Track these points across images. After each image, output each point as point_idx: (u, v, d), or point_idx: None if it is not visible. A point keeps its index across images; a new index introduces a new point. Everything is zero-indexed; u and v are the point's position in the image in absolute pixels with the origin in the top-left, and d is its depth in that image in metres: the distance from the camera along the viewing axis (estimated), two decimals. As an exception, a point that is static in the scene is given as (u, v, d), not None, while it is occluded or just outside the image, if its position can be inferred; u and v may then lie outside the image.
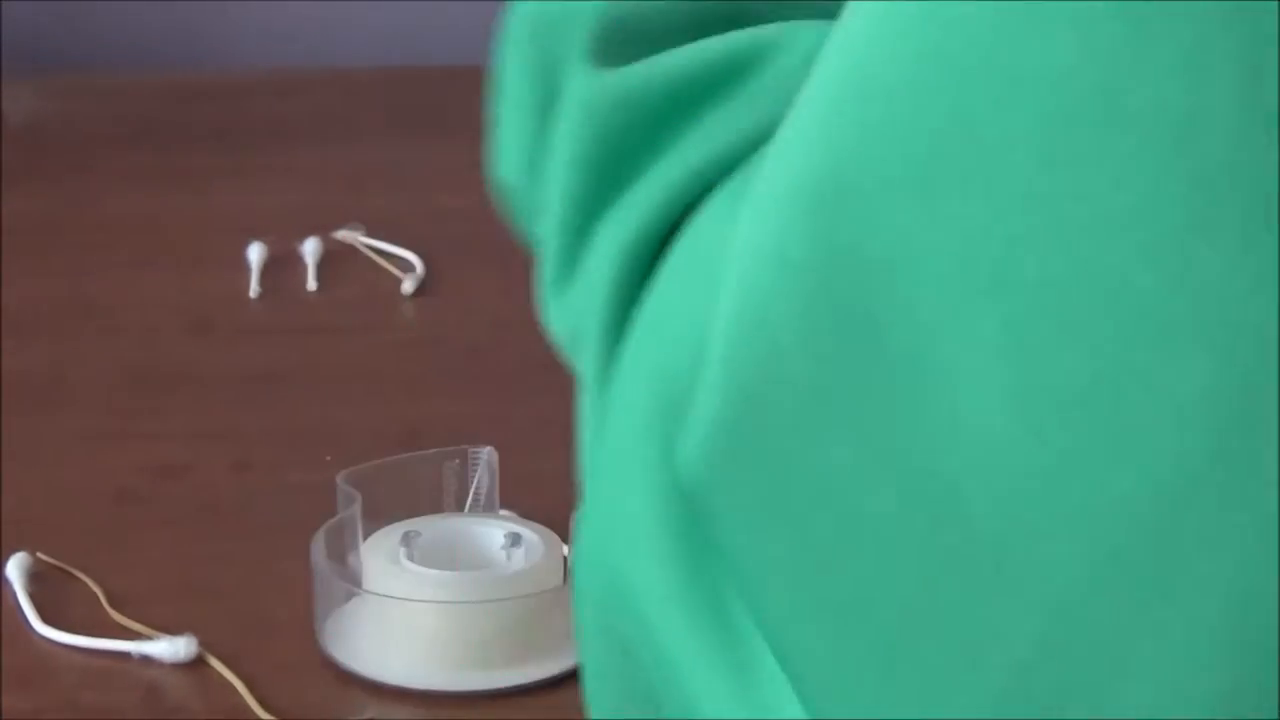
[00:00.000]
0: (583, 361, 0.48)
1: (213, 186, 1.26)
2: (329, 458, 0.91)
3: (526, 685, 0.76)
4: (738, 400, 0.37)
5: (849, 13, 0.37)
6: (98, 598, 0.81)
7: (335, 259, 1.14)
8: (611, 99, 0.48)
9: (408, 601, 0.76)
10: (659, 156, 0.47)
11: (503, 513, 0.83)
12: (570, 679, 0.76)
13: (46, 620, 0.79)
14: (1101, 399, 0.32)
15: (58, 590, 0.82)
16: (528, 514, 0.82)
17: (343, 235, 1.16)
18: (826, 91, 0.37)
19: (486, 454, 0.83)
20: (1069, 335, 0.32)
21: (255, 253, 1.12)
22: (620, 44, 0.50)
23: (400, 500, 0.80)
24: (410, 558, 0.77)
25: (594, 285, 0.46)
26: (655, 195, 0.46)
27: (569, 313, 0.48)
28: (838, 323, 0.35)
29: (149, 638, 0.77)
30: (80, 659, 0.78)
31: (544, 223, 0.50)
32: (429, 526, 0.79)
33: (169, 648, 0.77)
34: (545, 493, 0.86)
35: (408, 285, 1.11)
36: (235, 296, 1.10)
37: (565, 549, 0.79)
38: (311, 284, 1.11)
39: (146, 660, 0.77)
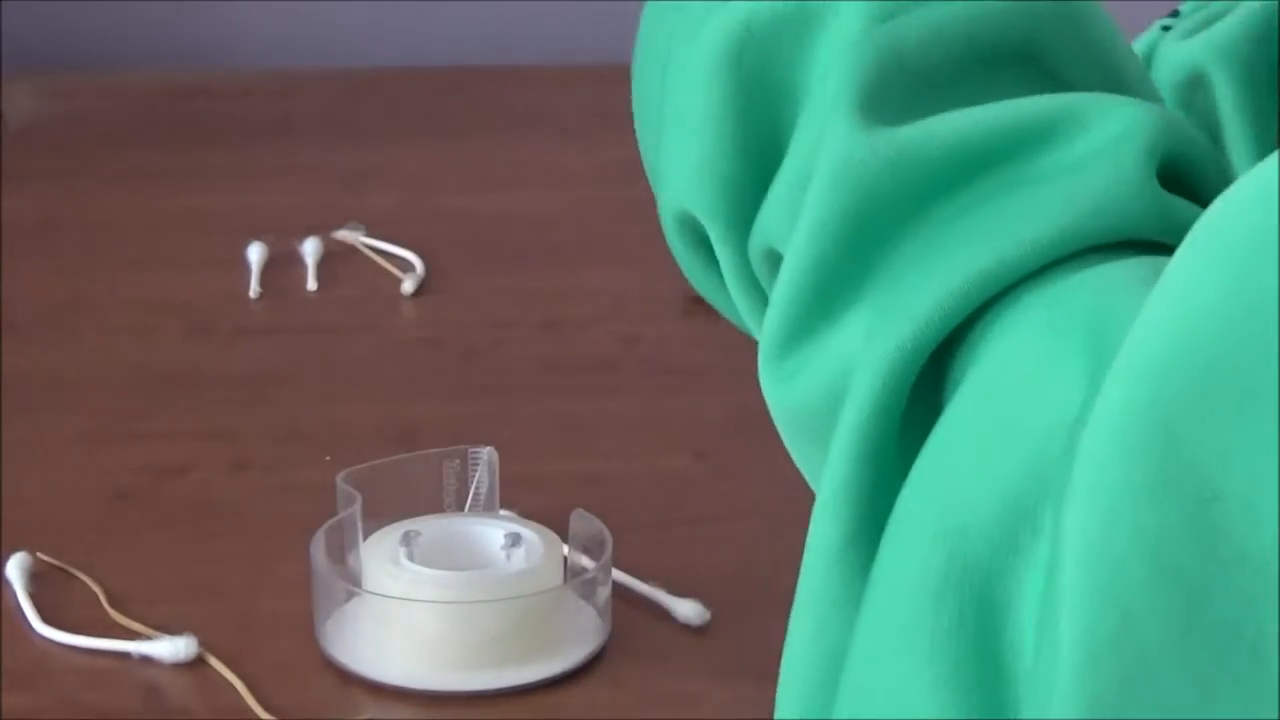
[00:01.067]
0: (815, 443, 0.44)
1: (213, 186, 1.26)
2: (329, 458, 0.91)
3: (526, 685, 0.76)
4: (1098, 700, 0.33)
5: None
6: (98, 598, 0.81)
7: (335, 259, 1.14)
8: (882, 161, 0.43)
9: (408, 601, 0.76)
10: (932, 244, 0.43)
11: (503, 513, 0.83)
12: (570, 679, 0.76)
13: (46, 620, 0.79)
14: None
15: (58, 590, 0.82)
16: (528, 514, 0.82)
17: (343, 235, 1.16)
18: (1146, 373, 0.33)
19: (486, 454, 0.83)
20: None
21: (255, 252, 1.12)
22: (895, 90, 0.45)
23: (400, 500, 0.80)
24: (410, 558, 0.77)
25: (854, 390, 0.42)
26: (932, 302, 0.41)
27: (797, 388, 0.44)
28: (1214, 639, 0.32)
29: (149, 638, 0.77)
30: (80, 659, 0.78)
31: (770, 278, 0.46)
32: (429, 526, 0.79)
33: (169, 648, 0.77)
34: (545, 493, 0.86)
35: (407, 285, 1.11)
36: (235, 296, 1.10)
37: (564, 549, 0.79)
38: (311, 284, 1.11)
39: (146, 660, 0.77)
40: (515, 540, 0.78)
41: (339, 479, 0.80)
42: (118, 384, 1.00)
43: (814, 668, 0.42)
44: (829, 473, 0.42)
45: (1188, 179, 0.45)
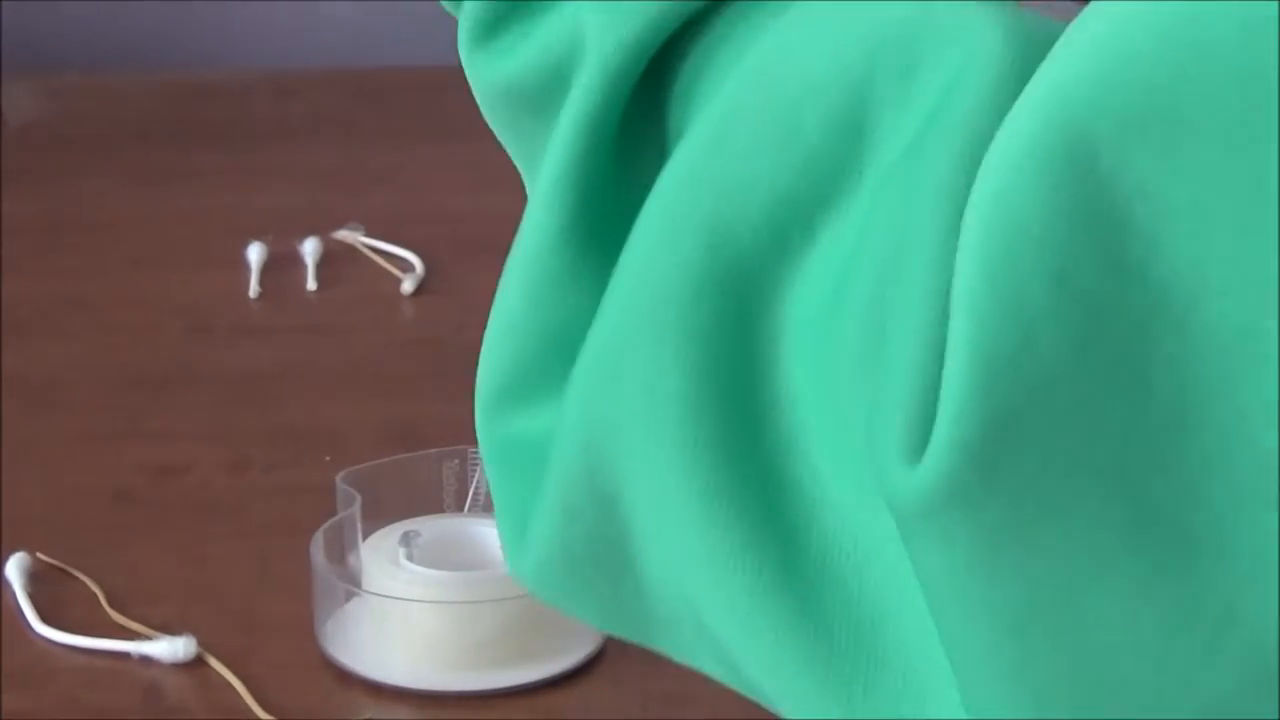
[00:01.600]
0: (534, 120, 0.44)
1: (213, 186, 1.26)
2: (329, 458, 0.91)
3: (526, 685, 0.76)
4: (994, 417, 0.33)
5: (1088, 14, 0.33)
6: (97, 598, 0.81)
7: (335, 259, 1.14)
8: None
9: (407, 601, 0.76)
10: None
11: (502, 513, 0.83)
12: (570, 679, 0.76)
13: (46, 620, 0.79)
14: None
15: (57, 590, 0.82)
16: (527, 514, 0.82)
17: (342, 235, 1.16)
18: (1073, 62, 0.33)
19: (486, 454, 0.83)
20: None
21: (255, 252, 1.12)
22: None
23: (400, 500, 0.80)
24: (410, 558, 0.77)
25: (583, 74, 0.41)
26: None
27: (511, 63, 0.44)
28: (1109, 361, 0.32)
29: (148, 638, 0.77)
30: (80, 659, 0.78)
31: None
32: (428, 526, 0.79)
33: (168, 648, 0.77)
34: (545, 493, 0.86)
35: (407, 285, 1.11)
36: (235, 296, 1.10)
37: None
38: (311, 284, 1.11)
39: (146, 660, 0.77)
40: (515, 540, 0.78)
41: (339, 479, 0.80)
42: (118, 384, 1.00)
43: (528, 338, 0.44)
44: (549, 161, 0.42)
45: None
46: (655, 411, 0.38)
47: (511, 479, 0.44)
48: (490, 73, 0.45)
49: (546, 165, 0.43)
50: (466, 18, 0.45)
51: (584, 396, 0.40)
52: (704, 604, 0.39)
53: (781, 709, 0.40)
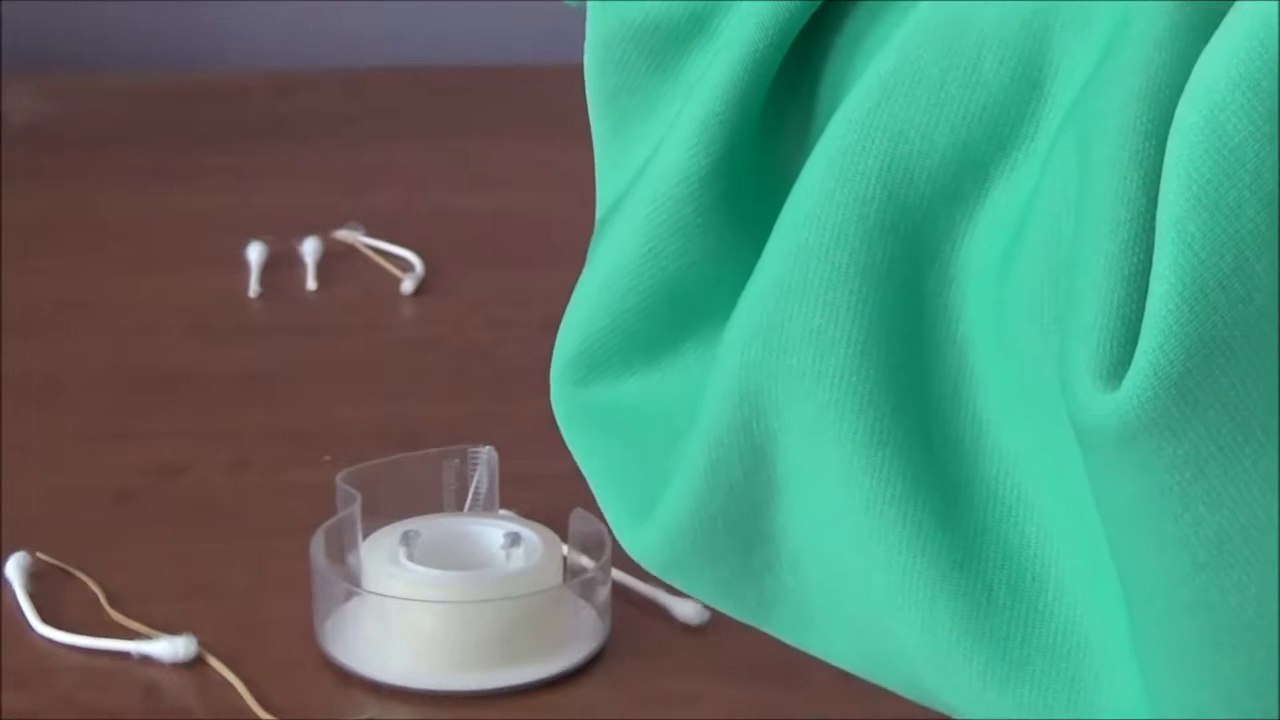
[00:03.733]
0: (653, 63, 0.44)
1: (212, 186, 1.26)
2: (328, 457, 0.91)
3: (526, 685, 0.76)
4: (1201, 342, 0.33)
5: None
6: (97, 597, 0.81)
7: (335, 259, 1.14)
8: None
9: (407, 601, 0.76)
10: None
11: (502, 512, 0.83)
12: (570, 679, 0.76)
13: (46, 620, 0.79)
14: None
15: (57, 590, 0.82)
16: (527, 514, 0.82)
17: (342, 235, 1.16)
18: None
19: (486, 453, 0.83)
20: None
21: (255, 252, 1.12)
22: None
23: (400, 500, 0.80)
24: (410, 557, 0.77)
25: (741, 18, 0.41)
26: None
27: (648, 4, 0.43)
28: None
29: (148, 637, 0.77)
30: (80, 659, 0.78)
31: None
32: (429, 526, 0.79)
33: (168, 647, 0.77)
34: (545, 493, 0.86)
35: (407, 285, 1.11)
36: (234, 296, 1.10)
37: (564, 548, 0.79)
38: (311, 284, 1.11)
39: (146, 660, 0.77)
40: (515, 540, 0.78)
41: (339, 479, 0.80)
42: (118, 384, 1.00)
43: (633, 292, 0.43)
44: (698, 103, 0.41)
45: None
46: (824, 356, 0.38)
47: (614, 448, 0.43)
48: (622, 11, 0.43)
49: (693, 107, 0.41)
50: None
51: (744, 342, 0.39)
52: (853, 563, 0.39)
53: (929, 681, 0.39)
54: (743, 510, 0.40)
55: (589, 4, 0.45)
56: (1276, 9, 0.33)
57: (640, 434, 0.42)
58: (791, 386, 0.39)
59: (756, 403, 0.39)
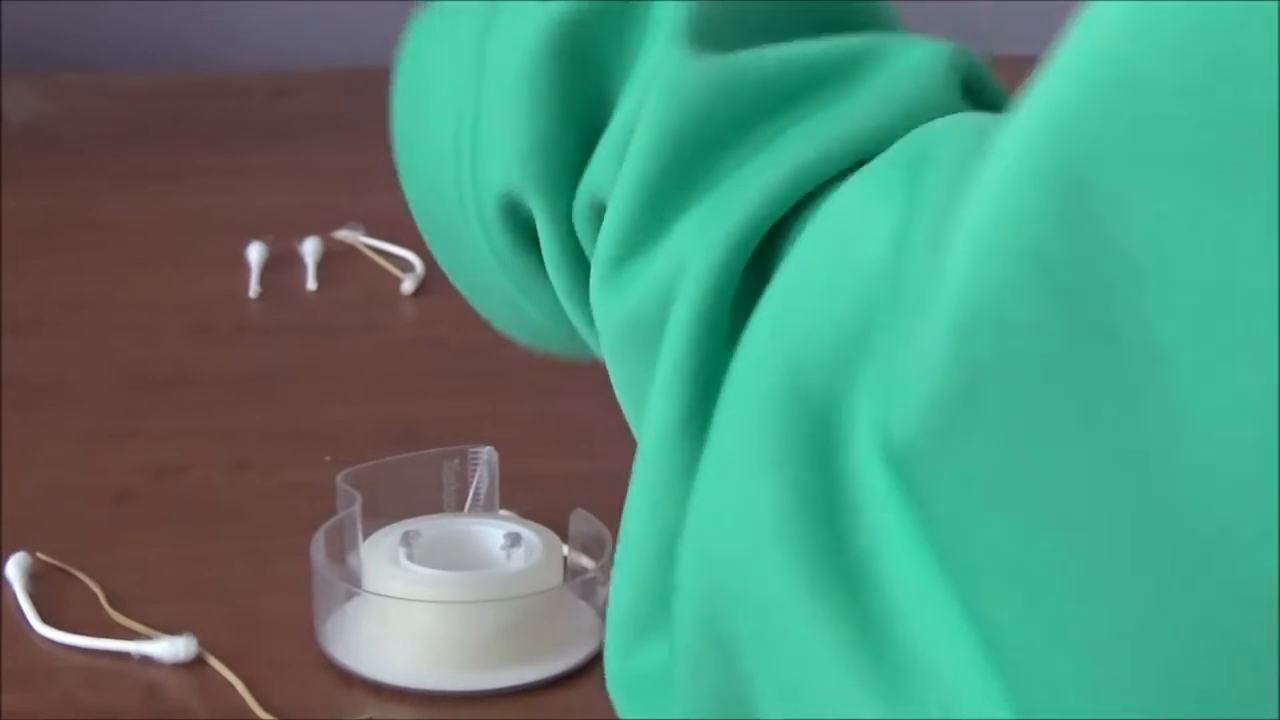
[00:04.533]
0: (647, 351, 0.47)
1: (212, 186, 1.26)
2: (329, 457, 0.91)
3: (526, 685, 0.76)
4: (966, 380, 0.35)
5: (1091, 13, 0.34)
6: (97, 597, 0.81)
7: (335, 259, 1.14)
8: (710, 82, 0.47)
9: (407, 601, 0.76)
10: (759, 150, 0.46)
11: (502, 513, 0.83)
12: (570, 679, 0.76)
13: (46, 620, 0.79)
14: None
15: (57, 590, 0.82)
16: (527, 514, 0.82)
17: (342, 235, 1.16)
18: (1071, 81, 0.33)
19: (486, 454, 0.83)
20: None
21: (255, 252, 1.13)
22: (716, 29, 0.49)
23: (400, 500, 0.80)
24: (410, 557, 0.77)
25: (689, 274, 0.45)
26: (763, 188, 0.45)
27: (630, 298, 0.47)
28: (1077, 316, 0.33)
29: (149, 637, 0.77)
30: (80, 659, 0.78)
31: (594, 236, 0.49)
32: (429, 526, 0.79)
33: (169, 647, 0.77)
34: (545, 493, 0.86)
35: (407, 285, 1.11)
36: (234, 296, 1.10)
37: (565, 549, 0.79)
38: (311, 284, 1.11)
39: (146, 660, 0.77)
40: (515, 540, 0.78)
41: (339, 479, 0.80)
42: (118, 384, 1.00)
43: (649, 547, 0.44)
44: (665, 355, 0.44)
45: (981, 95, 0.49)
46: (757, 537, 0.39)
47: (644, 711, 0.45)
48: (616, 310, 0.47)
49: (661, 360, 0.44)
50: (597, 262, 0.47)
51: (695, 544, 0.41)
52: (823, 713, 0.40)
53: None
54: (730, 707, 0.41)
55: (594, 306, 0.49)
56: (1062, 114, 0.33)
57: (660, 697, 0.44)
58: (738, 573, 0.40)
59: (714, 597, 0.41)
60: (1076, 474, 0.33)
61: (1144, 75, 0.31)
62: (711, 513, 0.41)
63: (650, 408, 0.44)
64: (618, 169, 0.48)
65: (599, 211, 0.49)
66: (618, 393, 0.50)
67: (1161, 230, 0.31)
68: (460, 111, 0.54)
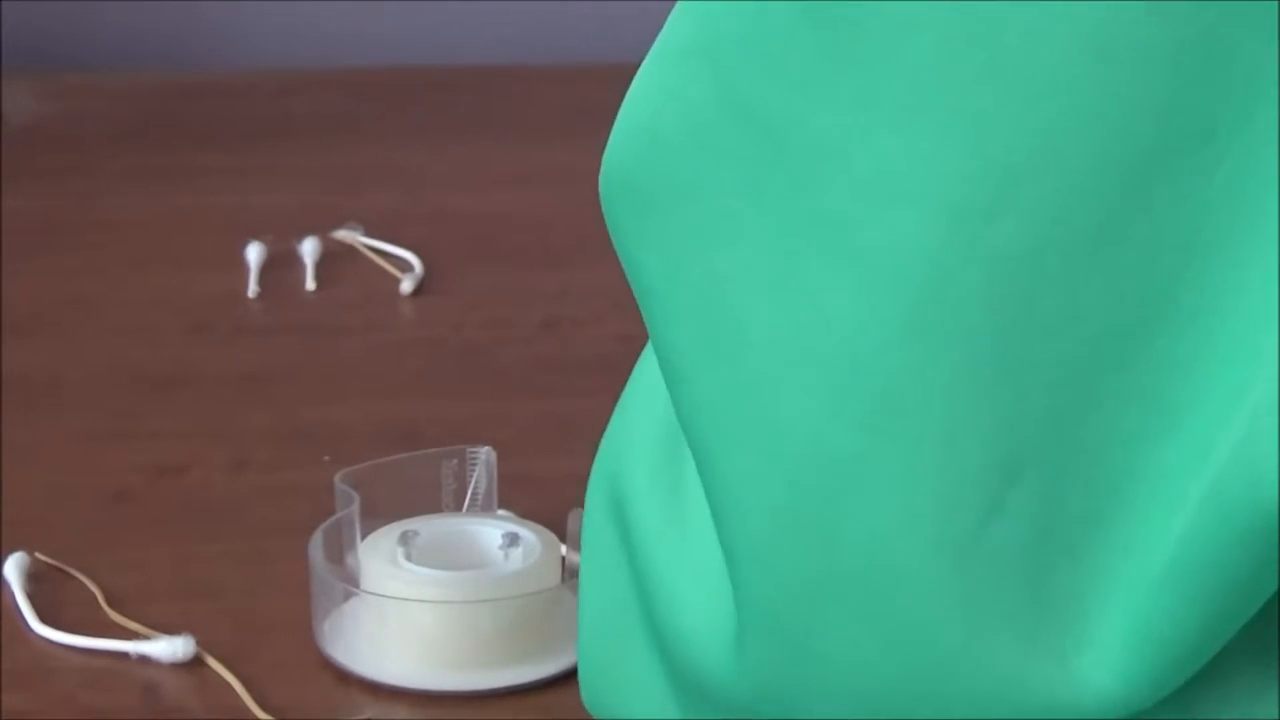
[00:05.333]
0: None
1: (212, 186, 1.26)
2: (327, 458, 0.91)
3: (525, 685, 0.76)
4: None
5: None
6: (96, 598, 0.81)
7: (334, 259, 1.14)
8: None
9: (406, 601, 0.76)
10: None
11: (501, 513, 0.83)
12: (568, 679, 0.76)
13: (44, 620, 0.79)
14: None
15: (56, 590, 0.82)
16: (526, 514, 0.82)
17: (341, 235, 1.16)
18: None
19: (485, 454, 0.83)
20: None
21: (254, 252, 1.13)
22: None
23: (398, 500, 0.80)
24: (408, 557, 0.77)
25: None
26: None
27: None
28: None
29: (147, 637, 0.77)
30: (78, 659, 0.78)
31: None
32: (427, 526, 0.79)
33: (167, 647, 0.77)
34: (544, 493, 0.86)
35: (406, 285, 1.11)
36: (234, 296, 1.10)
37: (563, 549, 0.79)
38: (310, 284, 1.11)
39: (145, 660, 0.77)
40: (513, 540, 0.78)
41: (337, 479, 0.80)
42: (117, 384, 1.00)
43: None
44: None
45: None
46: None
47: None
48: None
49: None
50: None
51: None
52: None
53: None
54: None
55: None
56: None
57: None
58: None
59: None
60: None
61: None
62: (612, 441, 0.63)
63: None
64: None
65: None
66: None
67: None
68: None
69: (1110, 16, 0.43)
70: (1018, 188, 0.45)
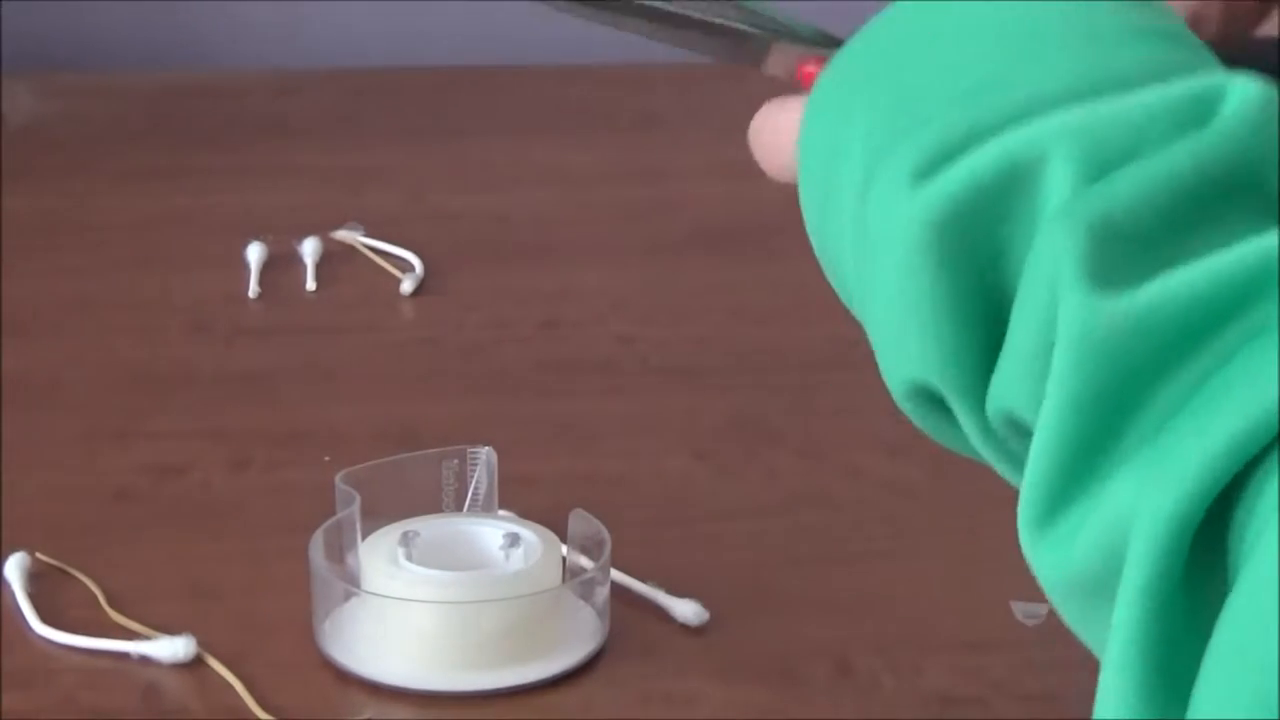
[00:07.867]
0: (1095, 603, 0.46)
1: (212, 186, 1.26)
2: (328, 458, 0.91)
3: (525, 685, 0.76)
4: None
5: None
6: (96, 598, 0.81)
7: (334, 259, 1.14)
8: (1122, 332, 0.45)
9: (406, 601, 0.76)
10: (1188, 396, 0.44)
11: (501, 513, 0.83)
12: (569, 679, 0.77)
13: (45, 620, 0.79)
14: None
15: (57, 590, 0.82)
16: (526, 514, 0.82)
17: (342, 235, 1.16)
18: None
19: (485, 454, 0.83)
20: None
21: (254, 252, 1.12)
22: (1116, 254, 0.46)
23: (399, 500, 0.80)
24: (409, 558, 0.77)
25: (1141, 539, 0.43)
26: (1198, 467, 0.43)
27: (1074, 554, 0.46)
28: None
29: (148, 638, 0.77)
30: (79, 659, 0.78)
31: (1015, 439, 0.49)
32: (427, 526, 0.79)
33: (168, 648, 0.77)
34: (544, 493, 0.86)
35: (406, 285, 1.11)
36: (234, 296, 1.10)
37: (563, 549, 0.79)
38: (310, 284, 1.11)
39: (145, 660, 0.77)
40: (514, 540, 0.78)
41: (338, 479, 0.80)
42: (118, 384, 1.00)
43: None
44: (1118, 627, 0.44)
45: None
46: None
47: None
48: (1058, 567, 0.47)
49: (1115, 631, 0.44)
50: (1026, 505, 0.47)
51: None
52: None
53: None
54: None
55: (1026, 552, 0.48)
56: None
57: None
58: None
59: None
60: None
61: None
62: None
63: (1105, 677, 0.44)
64: (1033, 390, 0.47)
65: (1015, 425, 0.48)
66: (1068, 618, 0.49)
67: None
68: (847, 260, 0.54)
69: None
70: None
